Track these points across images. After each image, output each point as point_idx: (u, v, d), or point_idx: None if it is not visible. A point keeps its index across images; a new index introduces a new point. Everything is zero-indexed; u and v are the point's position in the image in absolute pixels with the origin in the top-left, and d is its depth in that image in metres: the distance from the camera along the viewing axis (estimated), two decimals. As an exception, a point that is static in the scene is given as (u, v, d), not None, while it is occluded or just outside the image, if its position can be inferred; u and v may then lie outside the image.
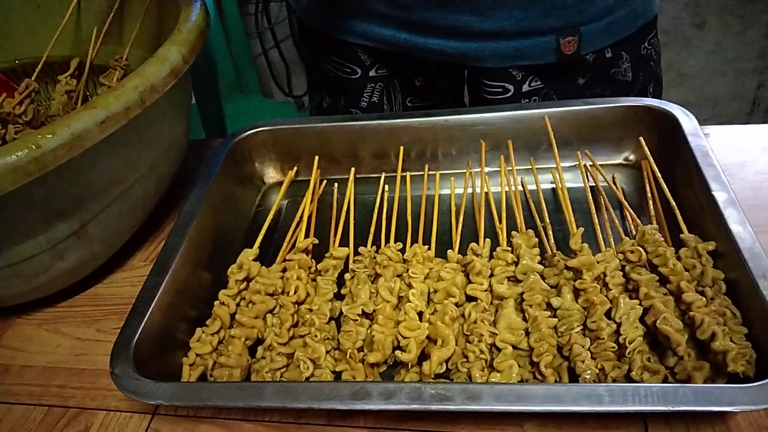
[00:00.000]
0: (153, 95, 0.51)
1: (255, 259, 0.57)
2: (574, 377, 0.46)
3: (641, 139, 0.63)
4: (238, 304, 0.55)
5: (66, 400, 0.52)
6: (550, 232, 0.57)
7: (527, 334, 0.49)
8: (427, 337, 0.48)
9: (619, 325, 0.47)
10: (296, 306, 0.54)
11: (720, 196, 0.52)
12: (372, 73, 0.81)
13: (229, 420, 0.48)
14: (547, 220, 0.58)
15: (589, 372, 0.43)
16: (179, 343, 0.52)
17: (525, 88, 0.75)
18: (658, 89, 0.81)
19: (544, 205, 0.60)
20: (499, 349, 0.47)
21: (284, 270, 0.57)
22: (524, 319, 0.50)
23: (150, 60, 0.53)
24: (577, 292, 0.50)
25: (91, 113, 0.46)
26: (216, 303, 0.54)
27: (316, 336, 0.50)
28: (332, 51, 0.82)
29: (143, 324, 0.49)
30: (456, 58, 0.73)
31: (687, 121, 0.60)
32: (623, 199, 0.59)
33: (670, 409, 0.38)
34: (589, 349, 0.45)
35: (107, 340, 0.55)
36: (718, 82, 1.81)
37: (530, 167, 0.66)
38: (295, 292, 0.54)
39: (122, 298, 0.61)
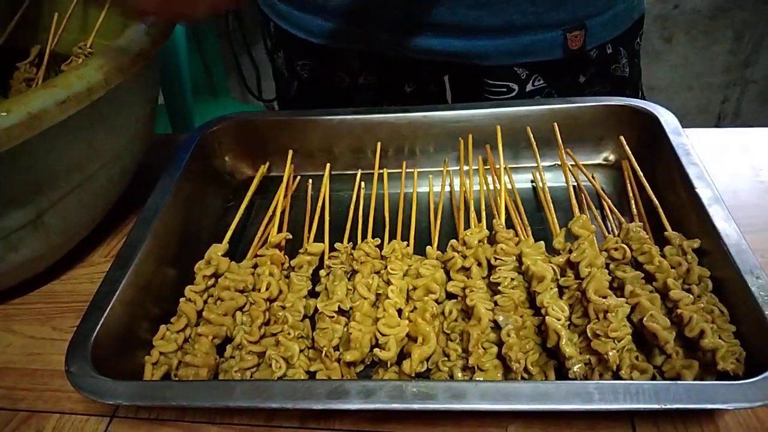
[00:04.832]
0: (118, 77, 0.48)
1: (224, 255, 0.54)
2: (560, 377, 0.44)
3: (621, 138, 0.62)
4: (205, 301, 0.52)
5: (16, 402, 0.48)
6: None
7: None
8: (407, 336, 0.46)
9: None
10: (268, 303, 0.51)
11: (704, 193, 0.51)
12: (360, 81, 0.78)
13: (194, 423, 0.45)
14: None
15: (578, 366, 0.42)
16: (141, 343, 0.49)
17: (529, 87, 0.73)
18: (641, 85, 0.82)
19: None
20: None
21: (255, 266, 0.54)
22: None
23: (117, 41, 0.50)
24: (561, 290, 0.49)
25: (50, 92, 0.43)
26: (182, 299, 0.51)
27: (289, 334, 0.47)
28: (316, 59, 0.78)
29: (103, 319, 0.46)
30: (461, 58, 0.71)
31: (668, 119, 0.60)
32: (605, 197, 0.58)
33: (663, 407, 0.36)
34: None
35: (63, 339, 0.51)
36: (685, 95, 1.84)
37: (510, 166, 0.65)
38: (267, 289, 0.51)
39: (80, 296, 0.57)
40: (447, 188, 0.64)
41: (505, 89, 0.74)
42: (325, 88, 0.80)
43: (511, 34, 0.69)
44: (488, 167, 0.64)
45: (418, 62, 0.74)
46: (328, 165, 0.66)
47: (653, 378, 0.43)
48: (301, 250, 0.56)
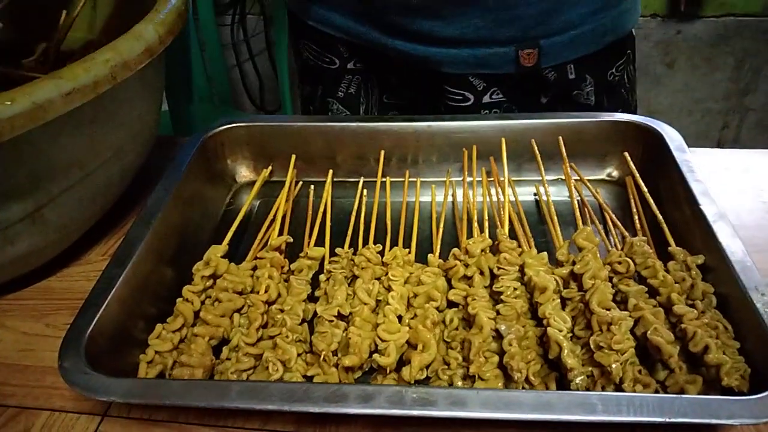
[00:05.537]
0: (125, 72, 0.48)
1: (223, 257, 0.54)
2: (562, 389, 0.43)
3: (626, 154, 0.62)
4: (203, 302, 0.51)
5: (5, 398, 0.47)
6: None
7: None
8: (407, 343, 0.45)
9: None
10: (266, 306, 0.50)
11: (709, 209, 0.51)
12: (350, 66, 0.82)
13: (186, 425, 0.44)
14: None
15: (581, 378, 0.41)
16: (136, 342, 0.48)
17: (485, 99, 0.75)
18: None
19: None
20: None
21: (255, 268, 0.54)
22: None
23: (124, 35, 0.49)
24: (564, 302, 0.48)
25: (56, 83, 0.43)
26: (179, 300, 0.50)
27: (287, 337, 0.46)
28: (312, 40, 0.82)
29: (98, 316, 0.45)
30: (421, 62, 0.73)
31: (672, 136, 0.60)
32: (609, 212, 0.58)
33: (667, 420, 0.36)
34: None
35: (56, 336, 0.50)
36: (686, 120, 1.85)
37: (513, 178, 0.65)
38: (266, 291, 0.51)
39: (76, 293, 0.56)
40: (449, 198, 0.64)
41: (461, 97, 0.75)
42: (319, 68, 0.83)
43: (465, 46, 0.71)
44: (492, 179, 0.63)
45: (395, 58, 0.76)
46: (331, 171, 0.66)
47: (656, 393, 0.42)
48: (301, 254, 0.55)
